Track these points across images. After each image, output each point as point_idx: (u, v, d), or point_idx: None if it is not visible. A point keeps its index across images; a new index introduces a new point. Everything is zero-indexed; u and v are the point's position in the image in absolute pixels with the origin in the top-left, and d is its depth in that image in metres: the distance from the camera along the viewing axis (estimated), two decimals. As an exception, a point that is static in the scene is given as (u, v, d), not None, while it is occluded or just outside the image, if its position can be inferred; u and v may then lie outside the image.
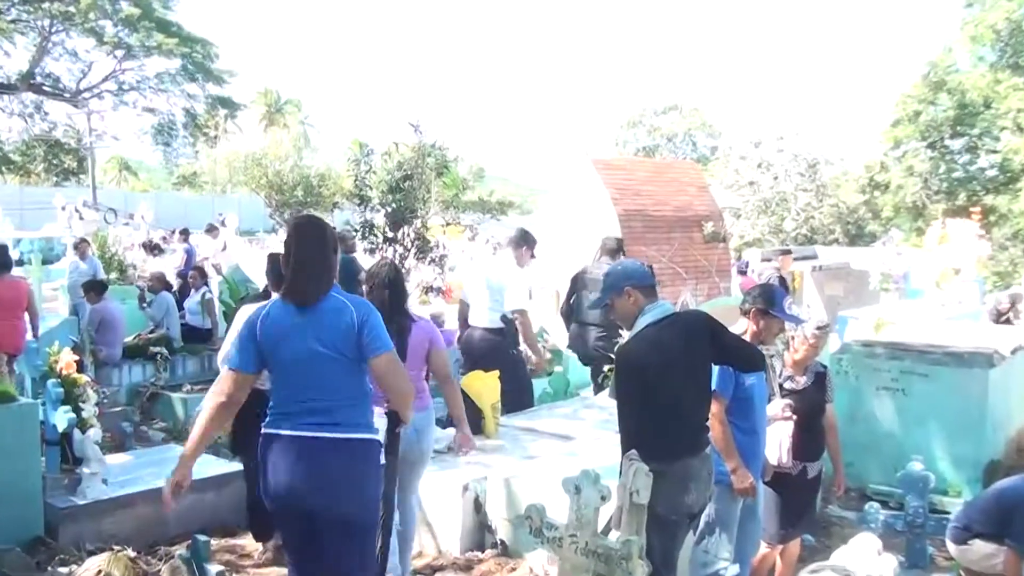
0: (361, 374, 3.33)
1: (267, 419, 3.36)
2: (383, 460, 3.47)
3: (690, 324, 3.88)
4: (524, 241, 7.33)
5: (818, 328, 4.86)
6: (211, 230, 18.25)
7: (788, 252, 12.16)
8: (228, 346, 4.19)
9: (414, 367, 4.38)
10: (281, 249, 3.51)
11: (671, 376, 3.69)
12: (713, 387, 4.02)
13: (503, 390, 6.62)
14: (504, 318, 7.12)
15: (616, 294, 3.89)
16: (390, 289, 4.49)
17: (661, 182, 13.27)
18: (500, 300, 7.09)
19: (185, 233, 16.73)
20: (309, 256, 3.36)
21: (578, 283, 7.84)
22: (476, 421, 6.05)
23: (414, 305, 10.23)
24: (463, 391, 6.01)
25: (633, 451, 3.64)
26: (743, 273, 14.37)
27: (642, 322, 3.81)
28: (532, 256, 7.42)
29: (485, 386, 6.32)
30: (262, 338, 3.34)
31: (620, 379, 3.85)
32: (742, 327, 4.45)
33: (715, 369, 4.03)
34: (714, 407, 4.06)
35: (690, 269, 12.38)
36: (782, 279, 11.00)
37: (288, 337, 3.30)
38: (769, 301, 4.44)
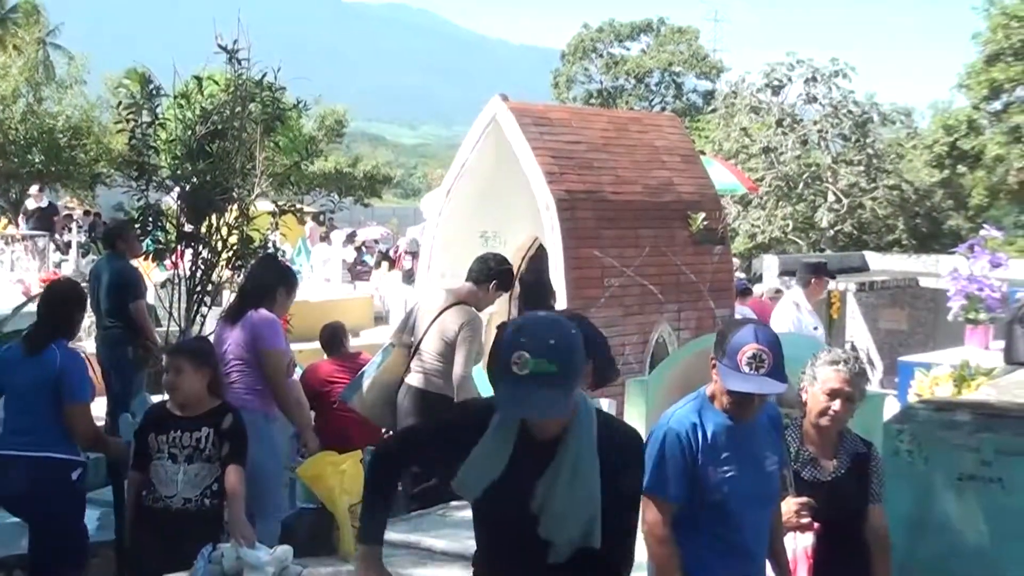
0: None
1: None
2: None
3: None
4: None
5: (833, 364, 4.70)
6: None
7: (822, 269, 11.53)
8: None
9: None
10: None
11: None
12: (646, 482, 3.84)
13: None
14: None
15: None
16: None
17: (624, 147, 13.36)
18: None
19: None
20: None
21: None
22: (325, 530, 6.05)
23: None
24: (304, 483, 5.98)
25: None
26: (744, 293, 14.51)
27: None
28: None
29: (337, 475, 6.27)
30: None
31: None
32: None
33: (651, 454, 3.99)
34: (648, 515, 3.99)
35: (669, 287, 12.49)
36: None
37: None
38: (718, 346, 4.20)
